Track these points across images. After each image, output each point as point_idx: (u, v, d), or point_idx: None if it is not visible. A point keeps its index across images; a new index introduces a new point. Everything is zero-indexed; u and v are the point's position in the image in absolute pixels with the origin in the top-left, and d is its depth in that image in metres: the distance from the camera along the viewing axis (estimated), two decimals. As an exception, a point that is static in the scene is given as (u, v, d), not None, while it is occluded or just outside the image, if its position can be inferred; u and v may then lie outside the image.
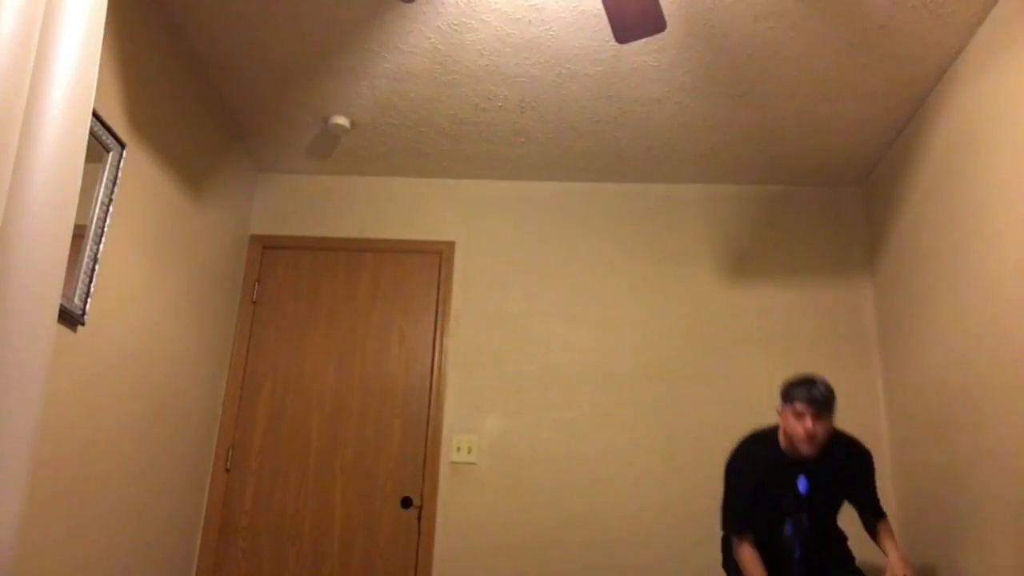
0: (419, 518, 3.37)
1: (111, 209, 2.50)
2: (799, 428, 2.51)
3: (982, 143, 2.61)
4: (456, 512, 3.37)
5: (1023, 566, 2.32)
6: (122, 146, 2.54)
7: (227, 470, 3.45)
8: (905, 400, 3.20)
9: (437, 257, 3.74)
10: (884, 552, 2.63)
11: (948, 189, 2.85)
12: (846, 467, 2.63)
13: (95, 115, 2.35)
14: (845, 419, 3.38)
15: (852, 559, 2.75)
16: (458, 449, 3.45)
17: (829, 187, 3.76)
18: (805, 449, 2.51)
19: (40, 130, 1.68)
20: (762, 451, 2.65)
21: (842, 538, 2.77)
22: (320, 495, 3.41)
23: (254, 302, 3.69)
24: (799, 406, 2.51)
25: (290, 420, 3.51)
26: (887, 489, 3.29)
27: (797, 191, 3.77)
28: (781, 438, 2.63)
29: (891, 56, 2.79)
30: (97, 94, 2.35)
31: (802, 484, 2.57)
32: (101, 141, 2.43)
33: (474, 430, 3.48)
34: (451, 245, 3.75)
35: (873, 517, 2.70)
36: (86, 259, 2.39)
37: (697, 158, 3.56)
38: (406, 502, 3.38)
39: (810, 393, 2.50)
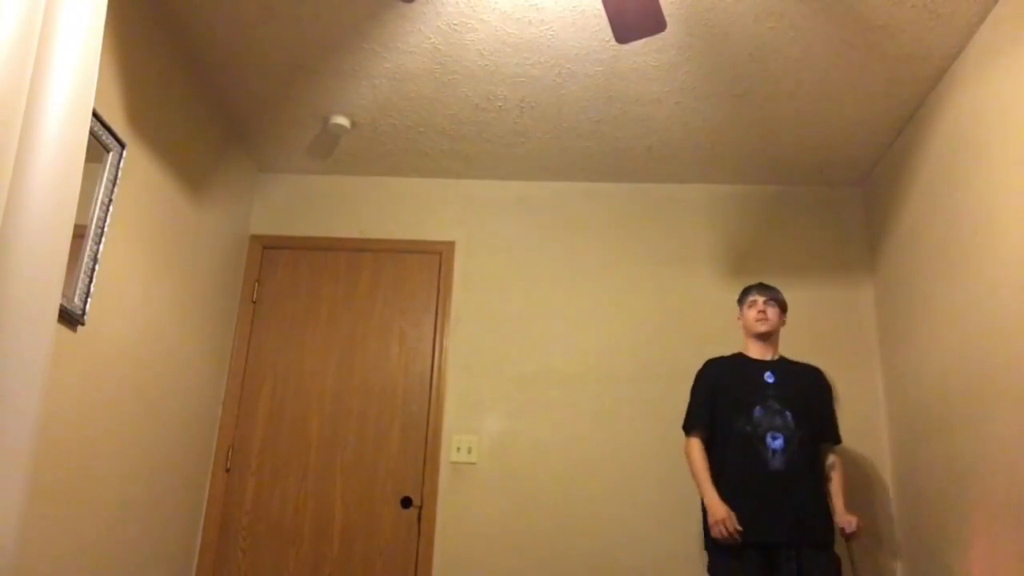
0: (419, 518, 3.37)
1: (111, 209, 2.50)
2: (752, 312, 2.97)
3: (982, 143, 2.61)
4: (456, 512, 3.37)
5: (1023, 566, 2.31)
6: (122, 146, 2.54)
7: (227, 470, 3.45)
8: (905, 400, 3.20)
9: (437, 257, 3.74)
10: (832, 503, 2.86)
11: (948, 189, 2.85)
12: (808, 380, 2.94)
13: (95, 115, 2.35)
14: (845, 419, 3.39)
15: (832, 538, 2.76)
16: (458, 449, 3.44)
17: (829, 187, 3.76)
18: (760, 328, 2.93)
19: (40, 130, 1.69)
20: (723, 359, 3.02)
21: (823, 502, 2.79)
22: (320, 495, 3.41)
23: (254, 302, 3.69)
24: (751, 298, 3.00)
25: (290, 420, 3.51)
26: (887, 489, 3.29)
27: (797, 191, 3.77)
28: (744, 347, 3.01)
29: (891, 56, 2.79)
30: (97, 94, 2.35)
31: (769, 376, 2.87)
32: (101, 141, 2.43)
33: (474, 430, 3.48)
34: (451, 245, 3.75)
35: (832, 441, 2.93)
36: (86, 259, 2.39)
37: (697, 158, 3.56)
38: (406, 502, 3.38)
39: (760, 285, 3.02)
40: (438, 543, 3.33)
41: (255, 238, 3.78)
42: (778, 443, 2.74)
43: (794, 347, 3.50)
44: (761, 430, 2.77)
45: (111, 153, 2.49)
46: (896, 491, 3.26)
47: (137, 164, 2.67)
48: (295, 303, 3.68)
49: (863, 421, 3.39)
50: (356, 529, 3.36)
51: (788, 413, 2.79)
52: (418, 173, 3.83)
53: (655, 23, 2.24)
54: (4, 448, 1.54)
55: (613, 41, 2.77)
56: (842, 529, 2.75)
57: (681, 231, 3.73)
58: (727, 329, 3.55)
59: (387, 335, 3.62)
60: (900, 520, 3.21)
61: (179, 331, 3.05)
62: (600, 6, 2.61)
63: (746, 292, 3.05)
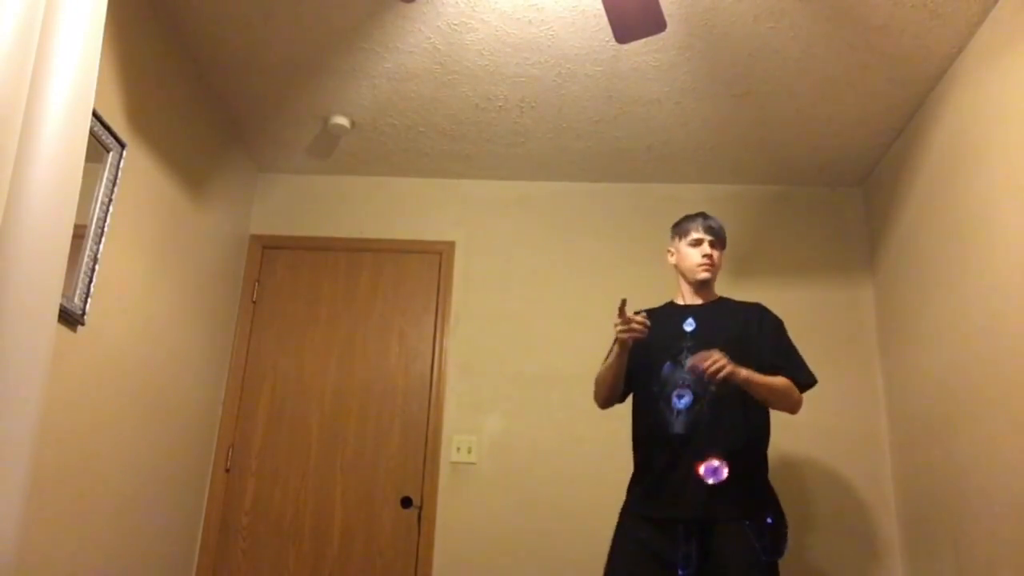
0: (419, 518, 3.36)
1: (111, 209, 2.49)
2: (696, 254, 2.47)
3: (982, 143, 2.61)
4: (456, 512, 3.37)
5: None
6: (122, 146, 2.54)
7: (227, 470, 3.45)
8: (905, 400, 3.20)
9: (437, 257, 3.74)
10: None
11: (948, 189, 2.85)
12: (742, 320, 2.40)
13: (95, 115, 2.34)
14: (845, 419, 3.39)
15: (752, 510, 2.22)
16: (458, 449, 3.44)
17: (829, 187, 3.76)
18: (701, 274, 2.46)
19: (40, 130, 1.69)
20: (654, 308, 2.53)
21: (745, 469, 2.25)
22: (320, 495, 3.41)
23: (254, 302, 3.68)
24: (696, 234, 2.49)
25: (290, 420, 3.51)
26: (887, 490, 3.29)
27: (797, 191, 3.77)
28: (676, 292, 2.57)
29: (891, 56, 2.79)
30: (97, 94, 2.34)
31: (689, 324, 2.41)
32: (101, 141, 2.43)
33: (474, 430, 3.48)
34: (451, 245, 3.75)
35: (793, 381, 2.36)
36: (86, 259, 2.38)
37: (697, 158, 3.56)
38: (406, 502, 3.38)
39: (707, 221, 2.50)
40: (438, 543, 3.33)
41: (255, 238, 3.78)
42: (684, 402, 2.30)
43: (794, 347, 3.50)
44: (668, 389, 2.33)
45: (111, 153, 2.49)
46: (897, 491, 3.26)
47: (137, 164, 2.67)
48: (295, 303, 3.68)
49: (863, 421, 3.39)
50: (356, 529, 3.36)
51: (688, 356, 2.32)
52: (418, 173, 3.83)
53: (655, 23, 2.24)
54: (4, 448, 1.54)
55: (613, 41, 2.76)
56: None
57: (681, 231, 3.73)
58: (727, 329, 3.55)
59: (387, 335, 3.62)
60: (901, 520, 3.21)
61: (179, 331, 3.05)
62: (600, 6, 2.60)
63: (686, 225, 2.52)
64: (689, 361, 2.24)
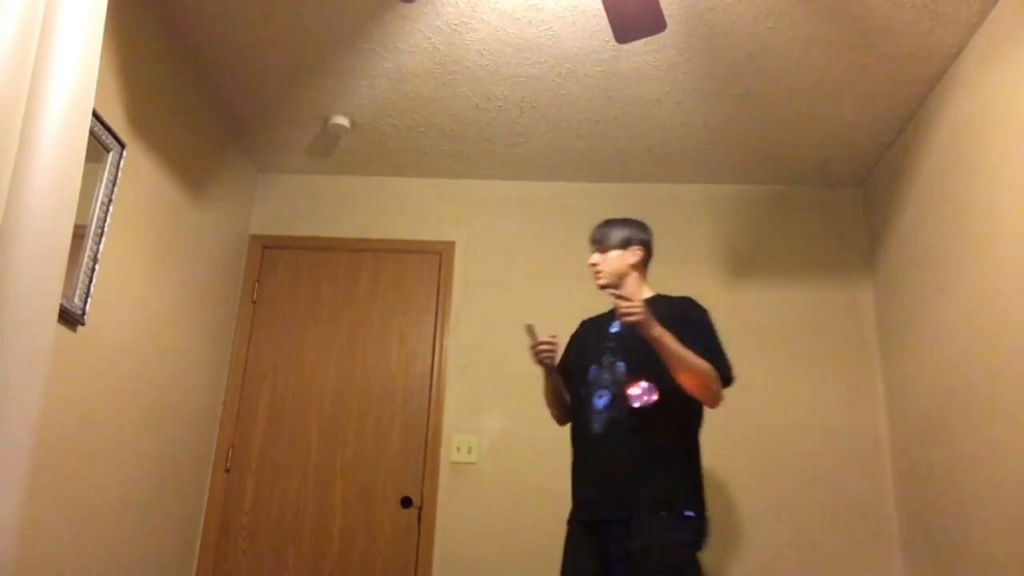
0: (419, 518, 3.36)
1: (111, 209, 2.49)
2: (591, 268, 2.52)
3: (982, 143, 2.61)
4: (456, 512, 3.36)
5: None
6: (122, 146, 2.54)
7: (227, 470, 3.45)
8: (905, 401, 3.20)
9: (437, 257, 3.74)
10: None
11: (948, 189, 2.85)
12: (668, 315, 2.27)
13: (95, 115, 2.34)
14: (845, 419, 3.39)
15: (670, 500, 2.20)
16: (458, 449, 3.44)
17: (829, 187, 3.76)
18: (597, 283, 2.52)
19: (40, 130, 1.69)
20: (594, 318, 2.62)
21: (660, 463, 2.23)
22: (320, 495, 3.41)
23: (254, 302, 3.68)
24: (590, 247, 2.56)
25: (290, 420, 3.51)
26: (887, 490, 3.29)
27: (797, 191, 3.77)
28: None
29: (891, 56, 2.79)
30: (97, 94, 2.33)
31: (614, 326, 2.38)
32: (101, 141, 2.43)
33: (474, 430, 3.48)
34: (451, 245, 3.75)
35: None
36: (86, 259, 2.38)
37: (697, 158, 3.56)
38: (406, 502, 3.38)
39: (592, 233, 2.59)
40: (438, 543, 3.32)
41: (255, 238, 3.78)
42: (602, 401, 2.31)
43: (794, 347, 3.50)
44: (591, 390, 2.35)
45: (111, 153, 2.49)
46: (897, 491, 3.26)
47: (137, 164, 2.67)
48: (295, 303, 3.68)
49: (863, 422, 3.38)
50: (356, 529, 3.36)
51: (621, 364, 2.32)
52: (418, 173, 3.83)
53: (655, 23, 2.24)
54: (4, 448, 1.54)
55: (613, 41, 2.76)
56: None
57: (681, 231, 3.73)
58: (726, 329, 3.54)
59: (387, 335, 3.62)
60: (901, 520, 3.21)
61: (179, 331, 3.05)
62: (600, 6, 2.60)
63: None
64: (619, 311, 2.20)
